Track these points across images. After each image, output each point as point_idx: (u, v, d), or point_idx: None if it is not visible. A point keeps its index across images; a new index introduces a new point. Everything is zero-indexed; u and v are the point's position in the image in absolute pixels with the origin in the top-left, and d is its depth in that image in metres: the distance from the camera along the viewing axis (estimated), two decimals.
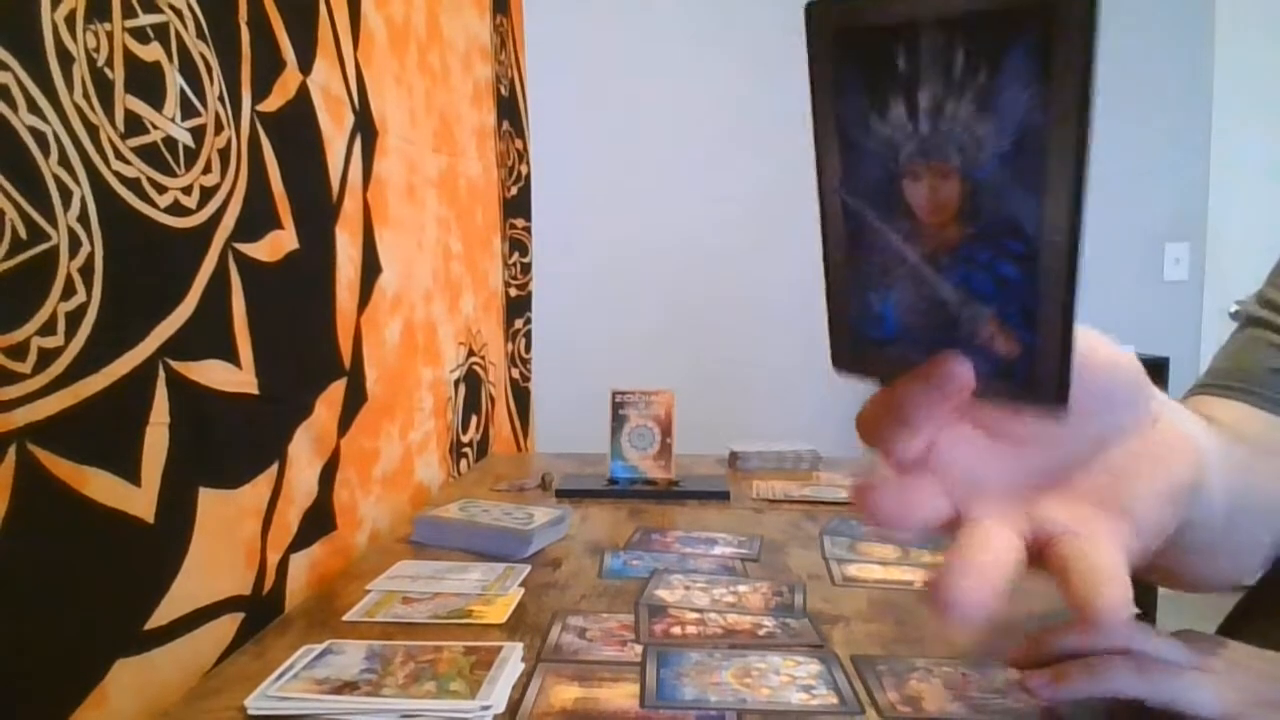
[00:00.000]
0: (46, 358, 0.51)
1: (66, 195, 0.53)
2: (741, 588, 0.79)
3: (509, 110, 1.78)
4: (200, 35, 0.68)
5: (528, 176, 1.90)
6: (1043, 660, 0.50)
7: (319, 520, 0.88)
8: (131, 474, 0.59)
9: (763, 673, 0.60)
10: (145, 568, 0.61)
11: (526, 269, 1.89)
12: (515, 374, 1.84)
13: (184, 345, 0.64)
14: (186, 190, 0.66)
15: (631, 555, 0.90)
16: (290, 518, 0.82)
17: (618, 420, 1.23)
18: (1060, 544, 0.33)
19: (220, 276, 0.70)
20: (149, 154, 0.61)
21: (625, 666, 0.61)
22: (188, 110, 0.66)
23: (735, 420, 2.08)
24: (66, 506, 0.53)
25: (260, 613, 0.74)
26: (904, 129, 0.29)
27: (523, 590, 0.78)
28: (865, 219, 0.31)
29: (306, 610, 0.74)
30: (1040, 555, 0.34)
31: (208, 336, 0.69)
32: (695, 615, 0.72)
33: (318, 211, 0.90)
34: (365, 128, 1.01)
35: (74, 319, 0.54)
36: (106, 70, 0.57)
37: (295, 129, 0.85)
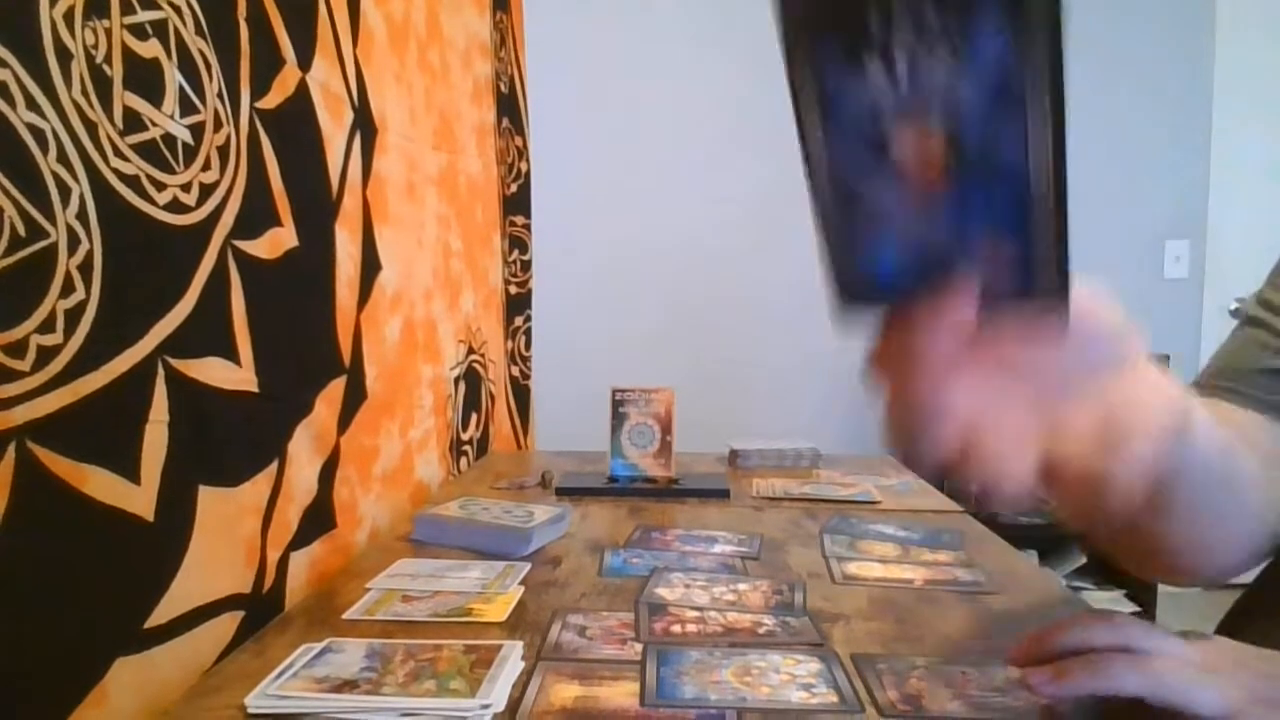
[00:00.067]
0: (45, 355, 0.51)
1: (65, 192, 0.53)
2: (741, 586, 0.79)
3: (509, 107, 1.78)
4: (199, 32, 0.68)
5: (527, 174, 1.90)
6: (1044, 658, 0.50)
7: (319, 518, 0.88)
8: (131, 472, 0.59)
9: (763, 671, 0.60)
10: (145, 566, 0.61)
11: (526, 266, 1.89)
12: (515, 372, 1.84)
13: (183, 343, 0.64)
14: (186, 187, 0.66)
15: (631, 553, 0.90)
16: (290, 516, 0.82)
17: (618, 418, 1.22)
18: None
19: (220, 274, 0.70)
20: (148, 151, 0.61)
21: (625, 665, 0.61)
22: (187, 107, 0.66)
23: (735, 418, 2.07)
24: (66, 505, 0.53)
25: (260, 611, 0.74)
26: (883, 88, 0.30)
27: (523, 588, 0.78)
28: (854, 176, 0.33)
29: (306, 608, 0.74)
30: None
31: (207, 334, 0.68)
32: (695, 613, 0.72)
33: (317, 209, 0.90)
34: (365, 125, 1.01)
35: (73, 317, 0.54)
36: (105, 67, 0.57)
37: (295, 126, 0.85)
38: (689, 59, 2.77)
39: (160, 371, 0.62)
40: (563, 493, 1.18)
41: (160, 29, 0.63)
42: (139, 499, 0.60)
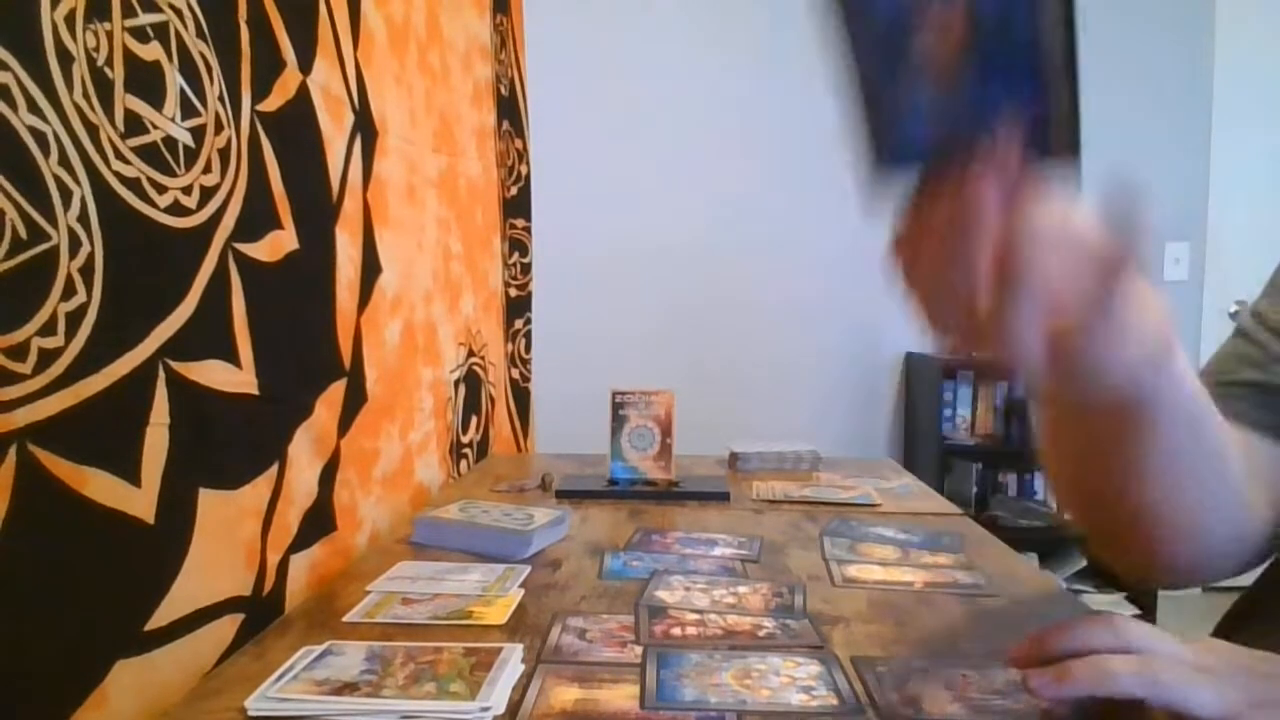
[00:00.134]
0: (47, 358, 0.51)
1: (66, 195, 0.53)
2: (741, 589, 0.79)
3: (509, 110, 1.78)
4: (200, 35, 0.68)
5: (528, 176, 1.90)
6: (1044, 659, 0.50)
7: (319, 521, 0.88)
8: (131, 474, 0.59)
9: (763, 674, 0.60)
10: (145, 568, 0.61)
11: (526, 269, 1.89)
12: (515, 374, 1.84)
13: (184, 345, 0.64)
14: (186, 190, 0.66)
15: (631, 556, 0.90)
16: (290, 518, 0.82)
17: (618, 420, 1.23)
18: None
19: (220, 276, 0.70)
20: (149, 154, 0.61)
21: (625, 668, 0.61)
22: (188, 110, 0.66)
23: (735, 420, 2.07)
24: (66, 507, 0.53)
25: (260, 613, 0.74)
26: None
27: (523, 591, 0.78)
28: (888, 50, 0.37)
29: (306, 611, 0.74)
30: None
31: (208, 337, 0.68)
32: (695, 616, 0.72)
33: (318, 211, 0.90)
34: (365, 128, 1.01)
35: (74, 319, 0.54)
36: (106, 70, 0.57)
37: (295, 129, 0.85)
38: (689, 59, 2.77)
39: (161, 374, 0.62)
40: (563, 495, 1.18)
41: (161, 32, 0.63)
42: (139, 501, 0.60)
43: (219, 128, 0.70)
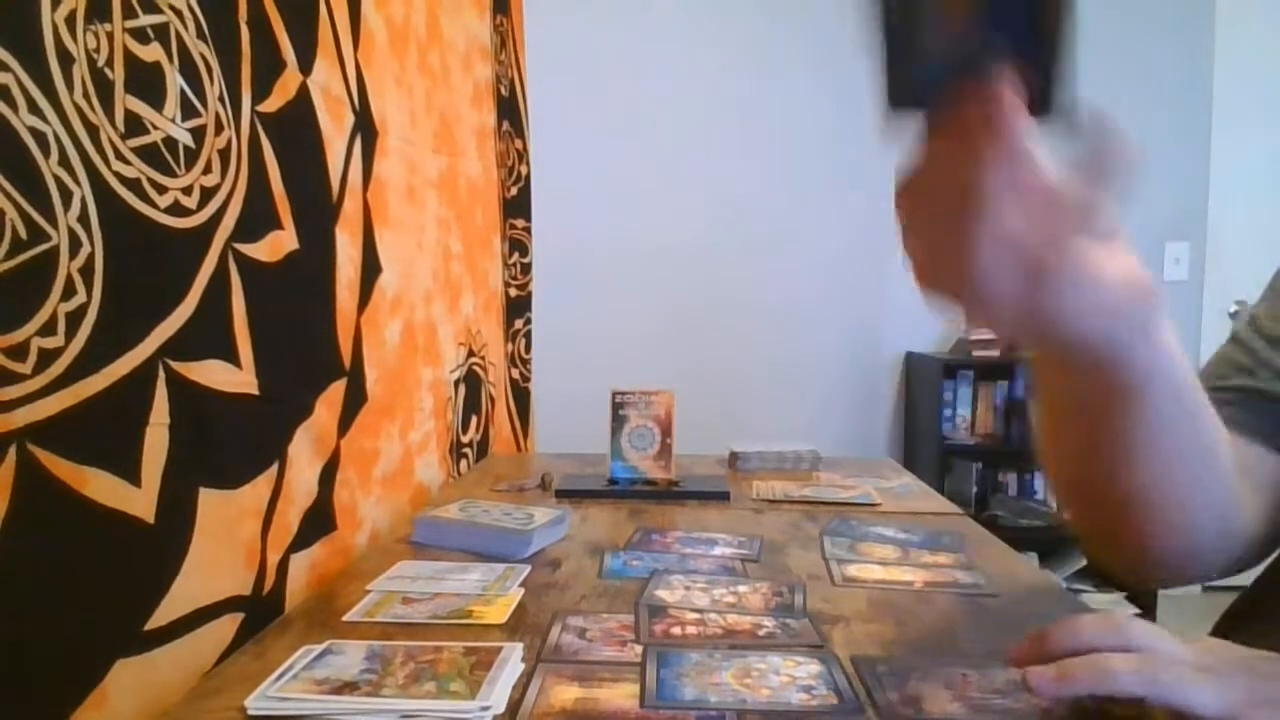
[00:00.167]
0: (47, 358, 0.52)
1: (67, 195, 0.53)
2: (741, 588, 0.79)
3: (509, 110, 1.78)
4: (200, 35, 0.68)
5: (528, 177, 1.90)
6: (1044, 658, 0.50)
7: (319, 520, 0.88)
8: (131, 474, 0.59)
9: (763, 673, 0.60)
10: (145, 568, 0.61)
11: (526, 269, 1.89)
12: (515, 374, 1.84)
13: (184, 345, 0.64)
14: (187, 190, 0.66)
15: (631, 555, 0.90)
16: (290, 518, 0.82)
17: (618, 420, 1.23)
18: None
19: (220, 277, 0.70)
20: (149, 154, 0.61)
21: (625, 667, 0.61)
22: (188, 110, 0.66)
23: (735, 420, 2.08)
24: (66, 507, 0.53)
25: (260, 613, 0.74)
26: None
27: (523, 590, 0.78)
28: (901, 22, 0.39)
29: (306, 610, 0.74)
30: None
31: (208, 337, 0.69)
32: (695, 615, 0.72)
33: (318, 212, 0.90)
34: (365, 128, 1.01)
35: (74, 319, 0.54)
36: (107, 70, 0.57)
37: (295, 129, 0.85)
38: (689, 59, 2.77)
39: (161, 374, 0.62)
40: (563, 495, 1.18)
41: (161, 32, 0.63)
42: (139, 501, 0.60)
43: (219, 128, 0.70)
